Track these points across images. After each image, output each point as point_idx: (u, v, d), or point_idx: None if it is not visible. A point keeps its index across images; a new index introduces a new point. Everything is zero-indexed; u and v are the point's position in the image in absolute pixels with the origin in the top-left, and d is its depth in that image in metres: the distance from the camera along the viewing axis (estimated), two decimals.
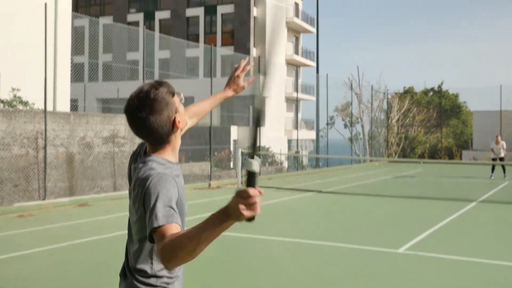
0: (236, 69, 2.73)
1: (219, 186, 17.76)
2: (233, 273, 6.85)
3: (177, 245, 1.71)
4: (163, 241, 1.77)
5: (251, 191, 1.62)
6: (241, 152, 18.50)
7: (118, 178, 14.94)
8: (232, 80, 2.72)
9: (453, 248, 8.13)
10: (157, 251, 1.80)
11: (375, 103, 37.22)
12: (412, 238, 8.80)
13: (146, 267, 2.09)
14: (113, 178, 14.83)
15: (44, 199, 12.71)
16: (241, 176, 18.16)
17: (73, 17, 18.44)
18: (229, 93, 2.73)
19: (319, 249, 8.16)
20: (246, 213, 1.62)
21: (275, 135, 35.70)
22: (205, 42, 38.05)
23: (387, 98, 38.45)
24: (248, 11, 38.53)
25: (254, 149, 1.74)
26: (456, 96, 47.02)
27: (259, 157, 1.74)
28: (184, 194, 2.08)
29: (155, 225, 1.82)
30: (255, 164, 1.70)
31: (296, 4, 44.78)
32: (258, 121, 1.78)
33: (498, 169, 22.32)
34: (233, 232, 9.19)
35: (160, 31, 39.69)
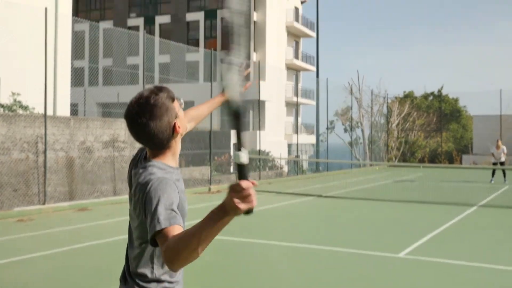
0: None
1: (219, 191, 17.75)
2: (233, 278, 6.83)
3: (179, 246, 1.71)
4: (166, 243, 1.77)
5: (244, 183, 1.62)
6: None
7: (118, 183, 14.93)
8: None
9: (454, 253, 8.12)
10: (161, 253, 1.80)
11: (375, 107, 37.27)
12: (412, 242, 8.78)
13: (146, 271, 2.09)
14: (113, 182, 14.82)
15: (44, 203, 12.70)
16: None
17: (73, 22, 18.48)
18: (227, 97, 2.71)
19: (319, 253, 8.15)
20: (242, 206, 1.62)
21: (275, 139, 35.70)
22: (205, 47, 38.10)
23: (387, 102, 38.48)
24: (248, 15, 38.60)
25: (240, 141, 1.73)
26: (456, 100, 47.05)
27: (246, 148, 1.72)
28: (185, 198, 2.09)
29: (158, 228, 1.82)
30: (243, 156, 1.69)
31: (296, 9, 44.86)
32: (238, 110, 1.76)
33: (499, 173, 22.31)
34: (233, 237, 9.19)
35: (160, 36, 39.73)
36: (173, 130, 2.09)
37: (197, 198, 14.98)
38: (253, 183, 1.65)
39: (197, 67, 39.52)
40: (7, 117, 12.38)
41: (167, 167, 2.08)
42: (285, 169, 30.48)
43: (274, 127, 37.41)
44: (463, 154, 38.23)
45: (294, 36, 45.34)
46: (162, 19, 41.93)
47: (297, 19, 43.67)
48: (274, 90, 36.43)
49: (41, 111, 13.59)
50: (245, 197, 1.63)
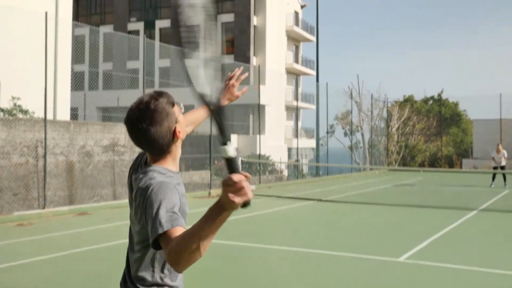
0: (231, 77, 2.71)
1: (219, 195, 17.71)
2: (232, 282, 6.82)
3: (181, 247, 1.71)
4: (169, 246, 1.77)
5: (235, 177, 1.60)
6: (241, 161, 18.49)
7: (118, 187, 14.92)
8: (226, 89, 2.68)
9: (454, 257, 8.11)
10: (165, 256, 1.81)
11: (375, 111, 37.28)
12: (413, 246, 8.77)
13: (147, 275, 2.09)
14: (113, 186, 14.81)
15: (43, 207, 12.69)
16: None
17: (74, 26, 18.51)
18: (224, 101, 2.69)
19: (319, 258, 8.14)
20: (237, 199, 1.61)
21: (275, 143, 35.70)
22: None
23: (387, 106, 38.50)
24: (248, 20, 38.66)
25: (224, 135, 1.72)
26: (456, 104, 47.07)
27: (231, 141, 1.72)
28: (186, 202, 2.09)
29: (160, 231, 1.82)
30: (230, 149, 1.69)
31: (296, 13, 44.94)
32: (218, 102, 1.76)
33: (499, 177, 22.30)
34: (233, 241, 9.18)
35: (161, 40, 39.78)
36: (174, 135, 2.09)
37: (197, 202, 14.97)
38: (245, 176, 1.63)
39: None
40: (7, 121, 12.38)
41: (167, 171, 2.09)
42: (285, 173, 30.47)
43: (274, 131, 37.42)
44: (463, 158, 38.23)
45: (294, 40, 45.40)
46: (162, 24, 41.99)
47: (297, 23, 43.74)
48: (274, 94, 36.46)
49: (41, 115, 13.59)
50: (238, 191, 1.61)
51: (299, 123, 35.77)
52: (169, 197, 1.93)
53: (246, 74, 2.76)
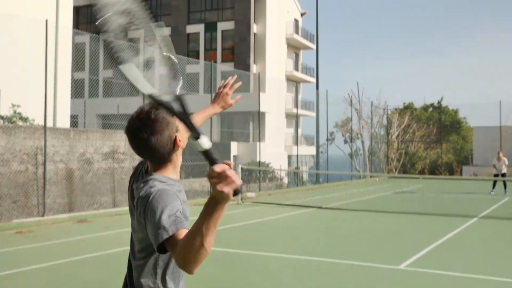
0: (225, 85, 2.72)
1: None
2: None
3: (186, 248, 1.73)
4: (176, 249, 1.79)
5: (217, 168, 1.61)
6: (241, 168, 18.48)
7: (117, 194, 14.90)
8: (220, 97, 2.71)
9: (454, 265, 8.08)
10: (174, 259, 1.83)
11: (375, 119, 37.30)
12: (413, 254, 8.75)
13: (149, 281, 2.09)
14: (112, 194, 14.79)
15: (43, 215, 12.66)
16: (241, 192, 18.10)
17: (74, 34, 18.55)
18: (217, 109, 2.73)
19: (319, 265, 8.11)
20: (226, 189, 1.61)
21: (275, 151, 35.70)
22: (205, 59, 38.21)
23: (387, 114, 38.53)
24: (248, 27, 38.77)
25: (193, 130, 1.73)
26: (456, 112, 47.12)
27: (203, 134, 1.73)
28: (188, 209, 2.10)
29: (165, 236, 1.83)
30: (204, 142, 1.70)
31: (296, 21, 45.06)
32: (181, 99, 1.77)
33: (499, 184, 22.32)
34: (233, 249, 9.15)
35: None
36: (174, 144, 2.11)
37: (197, 210, 14.87)
38: (227, 164, 1.64)
39: (197, 79, 39.60)
40: (7, 128, 12.38)
41: (168, 179, 2.10)
42: (285, 180, 30.45)
43: (274, 139, 37.42)
44: (463, 165, 38.23)
45: (294, 48, 45.50)
46: (162, 31, 42.10)
47: (297, 31, 43.85)
48: (274, 101, 36.50)
49: (41, 122, 13.59)
50: (224, 180, 1.61)
51: (299, 131, 35.78)
52: (170, 202, 1.94)
53: (239, 83, 2.78)
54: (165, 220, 1.87)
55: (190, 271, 1.77)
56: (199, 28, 40.79)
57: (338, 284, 7.10)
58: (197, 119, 2.66)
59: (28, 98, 14.53)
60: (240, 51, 38.98)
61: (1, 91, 14.88)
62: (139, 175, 2.20)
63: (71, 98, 18.58)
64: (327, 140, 34.54)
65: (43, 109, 13.00)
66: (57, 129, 14.05)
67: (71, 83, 18.54)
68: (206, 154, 1.71)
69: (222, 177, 1.61)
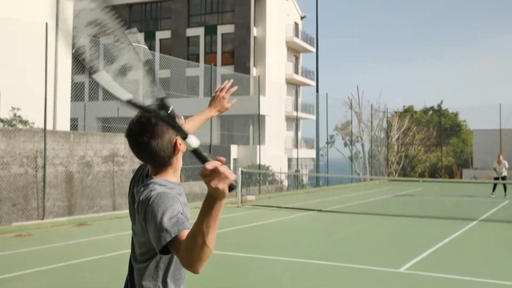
0: (221, 89, 2.75)
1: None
2: None
3: (189, 248, 1.74)
4: (179, 250, 1.80)
5: (208, 165, 1.62)
6: (241, 171, 18.47)
7: (117, 197, 14.89)
8: (217, 101, 2.74)
9: (454, 268, 8.07)
10: (179, 261, 1.84)
11: (375, 122, 37.30)
12: (413, 257, 8.74)
13: (150, 284, 2.11)
14: (112, 197, 14.78)
15: (42, 218, 12.65)
16: (241, 195, 18.11)
17: (74, 37, 18.54)
18: (214, 113, 2.76)
19: (319, 268, 8.10)
20: (220, 185, 1.63)
21: (275, 154, 35.69)
22: (205, 62, 38.24)
23: (387, 117, 38.54)
24: (248, 31, 38.80)
25: (180, 130, 1.75)
26: (456, 115, 47.13)
27: (189, 133, 1.75)
28: (188, 212, 2.10)
29: (169, 238, 1.85)
30: (192, 141, 1.72)
31: (296, 24, 45.10)
32: (163, 101, 1.78)
33: (499, 187, 22.35)
34: (233, 252, 9.15)
35: (161, 51, 39.90)
36: (174, 147, 2.12)
37: (197, 213, 14.92)
38: (219, 160, 1.65)
39: (197, 82, 39.64)
40: (6, 131, 12.38)
41: (168, 183, 2.11)
42: (285, 183, 30.44)
43: (274, 142, 37.41)
44: (463, 168, 38.20)
45: (294, 51, 45.53)
46: (162, 35, 42.15)
47: (297, 35, 43.89)
48: (274, 104, 36.51)
49: (41, 125, 13.59)
50: (217, 176, 1.63)
51: (299, 134, 35.81)
52: (171, 205, 1.95)
53: (235, 87, 2.82)
54: (167, 222, 1.87)
55: (195, 271, 1.78)
56: (199, 31, 40.83)
57: (338, 287, 7.09)
58: (194, 122, 2.68)
59: (28, 101, 14.53)
60: (240, 54, 39.01)
61: (1, 94, 14.88)
62: (140, 179, 2.21)
63: (71, 101, 18.58)
64: (327, 143, 34.54)
65: (43, 112, 13.01)
66: (57, 132, 14.05)
67: (71, 86, 18.55)
68: (196, 153, 1.72)
69: (215, 174, 1.62)
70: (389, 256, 9.07)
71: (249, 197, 19.52)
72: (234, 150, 32.81)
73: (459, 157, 43.05)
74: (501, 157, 21.30)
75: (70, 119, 18.61)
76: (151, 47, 40.07)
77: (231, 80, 2.85)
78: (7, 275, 7.48)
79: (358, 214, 15.46)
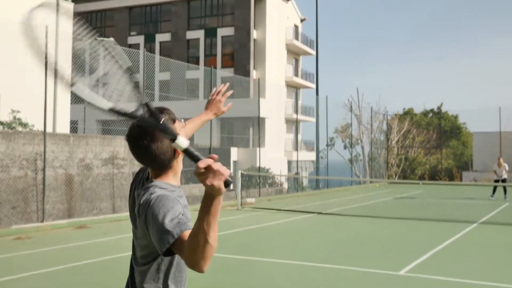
0: (218, 92, 2.79)
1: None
2: None
3: (191, 247, 1.76)
4: (183, 251, 1.81)
5: (201, 164, 1.66)
6: (241, 173, 18.45)
7: (117, 200, 14.88)
8: (213, 104, 2.78)
9: (454, 270, 8.06)
10: (184, 261, 1.86)
11: (375, 124, 37.30)
12: (413, 260, 8.72)
13: (151, 286, 2.11)
14: (112, 200, 14.77)
15: (42, 221, 12.64)
16: (241, 198, 18.09)
17: (74, 40, 18.56)
18: (210, 116, 2.80)
19: (319, 271, 8.09)
20: (216, 182, 1.66)
21: (275, 156, 35.68)
22: (205, 64, 38.26)
23: (387, 119, 38.55)
24: (248, 33, 38.83)
25: (167, 133, 1.79)
26: (456, 117, 47.15)
27: (178, 134, 1.78)
28: (189, 214, 2.10)
29: (172, 240, 1.85)
30: (181, 142, 1.76)
31: (296, 27, 45.14)
32: (148, 106, 1.81)
33: (499, 190, 22.36)
34: (233, 255, 9.13)
35: (161, 54, 39.93)
36: (175, 151, 2.12)
37: (196, 215, 14.92)
38: (211, 158, 1.68)
39: (197, 85, 39.66)
40: (6, 134, 12.37)
41: (169, 186, 2.12)
42: (285, 186, 30.42)
43: (274, 144, 37.41)
44: (463, 171, 38.20)
45: (294, 53, 45.57)
46: (162, 37, 42.18)
47: (296, 37, 43.92)
48: (274, 107, 36.51)
49: (41, 128, 13.59)
50: (211, 173, 1.66)
51: (299, 136, 35.80)
52: (172, 207, 1.95)
53: (231, 91, 2.86)
54: (168, 224, 1.88)
55: (201, 269, 1.79)
56: (199, 34, 40.86)
57: None
58: (192, 125, 2.69)
59: (28, 103, 14.52)
60: (240, 57, 39.03)
61: (1, 96, 14.88)
62: (140, 182, 2.21)
63: (71, 103, 18.57)
64: (327, 145, 34.55)
65: (43, 115, 13.00)
66: (57, 134, 14.04)
67: None
68: (187, 153, 1.76)
69: (209, 172, 1.66)
70: (389, 258, 9.05)
71: (249, 200, 19.51)
72: (234, 152, 32.80)
73: (459, 160, 43.05)
74: (501, 160, 21.34)
75: (70, 122, 18.60)
76: (151, 50, 40.10)
77: (227, 84, 2.88)
78: (7, 277, 7.47)
79: (358, 216, 15.44)
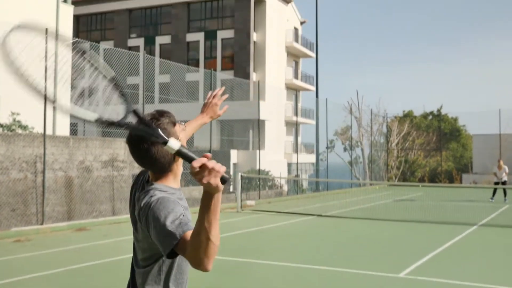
0: (214, 96, 2.82)
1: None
2: None
3: (194, 247, 1.78)
4: (186, 251, 1.83)
5: (195, 163, 1.69)
6: (241, 176, 18.45)
7: (117, 202, 14.87)
8: (209, 107, 2.81)
9: (454, 273, 8.05)
10: (188, 261, 1.88)
11: (375, 126, 37.32)
12: (413, 262, 8.72)
13: None
14: (111, 202, 14.76)
15: (42, 223, 12.63)
16: (241, 200, 18.08)
17: (74, 42, 18.58)
18: (207, 119, 2.82)
19: (319, 273, 8.08)
20: (212, 180, 1.69)
21: (275, 158, 35.67)
22: (205, 67, 38.27)
23: (387, 121, 38.56)
24: (248, 36, 38.86)
25: (158, 137, 1.82)
26: (456, 119, 47.14)
27: (169, 137, 1.82)
28: (190, 216, 2.11)
29: (174, 242, 1.86)
30: (173, 145, 1.79)
31: (296, 29, 45.18)
32: (136, 113, 1.85)
33: (499, 192, 22.38)
34: (233, 257, 9.13)
35: (161, 56, 39.95)
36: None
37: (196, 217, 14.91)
38: (206, 156, 1.71)
39: (197, 87, 39.67)
40: (6, 136, 12.37)
41: (169, 188, 2.12)
42: (285, 188, 30.41)
43: (274, 146, 37.41)
44: (463, 173, 38.18)
45: (293, 56, 45.59)
46: (162, 40, 42.21)
47: (296, 40, 43.95)
48: (274, 109, 36.53)
49: (40, 130, 13.59)
50: (207, 171, 1.69)
51: (299, 138, 35.78)
52: (172, 208, 1.96)
53: (226, 95, 2.90)
54: (170, 225, 1.89)
55: (205, 268, 1.80)
56: (199, 36, 40.89)
57: None
58: (189, 128, 2.70)
59: (28, 106, 14.52)
60: (240, 60, 39.06)
61: (1, 99, 14.88)
62: (140, 185, 2.22)
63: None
64: (327, 148, 34.53)
65: (43, 117, 13.00)
66: (57, 137, 14.04)
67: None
68: (180, 154, 1.78)
69: (204, 170, 1.69)
70: (389, 261, 9.05)
71: (249, 202, 19.50)
72: (234, 155, 32.79)
73: (459, 162, 43.04)
74: (501, 162, 21.38)
75: (70, 124, 18.61)
76: (151, 52, 40.13)
77: (223, 88, 2.92)
78: (6, 280, 7.46)
79: (358, 219, 15.44)
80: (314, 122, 35.10)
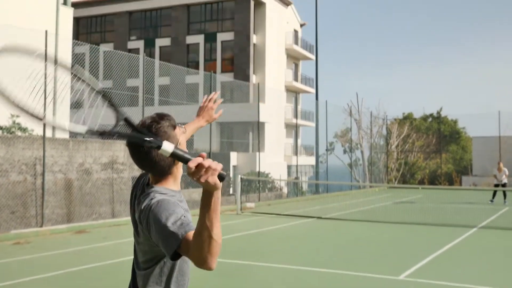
0: (210, 99, 2.86)
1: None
2: None
3: (197, 246, 1.79)
4: (189, 252, 1.84)
5: (191, 164, 1.72)
6: (241, 178, 18.44)
7: (116, 205, 14.86)
8: (205, 111, 2.84)
9: (454, 275, 8.05)
10: (191, 261, 1.89)
11: (375, 129, 37.31)
12: (413, 264, 8.71)
13: None
14: (111, 204, 14.75)
15: (41, 226, 12.62)
16: (240, 202, 18.08)
17: (74, 45, 18.59)
18: (203, 123, 2.84)
19: (319, 276, 8.07)
20: (210, 179, 1.72)
21: (275, 161, 35.67)
22: (205, 69, 38.28)
23: (386, 124, 38.56)
24: (248, 38, 38.88)
25: (151, 142, 1.85)
26: (455, 122, 47.17)
27: (162, 141, 1.85)
28: (190, 218, 2.11)
29: (177, 243, 1.87)
30: (167, 148, 1.82)
31: (296, 32, 45.20)
32: (128, 120, 1.88)
33: (499, 194, 22.38)
34: (232, 259, 9.12)
35: (160, 58, 39.95)
36: None
37: (196, 220, 14.89)
38: (201, 156, 1.74)
39: (197, 89, 39.67)
40: (5, 139, 12.37)
41: (169, 191, 2.13)
42: (285, 190, 30.40)
43: (274, 149, 37.40)
44: (462, 175, 38.18)
45: (293, 58, 45.61)
46: (162, 42, 42.23)
47: (296, 42, 43.97)
48: (274, 112, 36.53)
49: (40, 133, 13.58)
50: (203, 170, 1.72)
51: (299, 141, 35.82)
52: (173, 210, 1.97)
53: (221, 100, 2.94)
54: (172, 227, 1.89)
55: (209, 267, 1.81)
56: (199, 38, 40.91)
57: None
58: (190, 129, 2.71)
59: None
60: (240, 62, 39.07)
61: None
62: (140, 188, 2.23)
63: (70, 108, 18.58)
64: (327, 150, 34.53)
65: None
66: (56, 139, 14.04)
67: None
68: (175, 156, 1.80)
69: (200, 170, 1.71)
70: (389, 263, 9.04)
71: (249, 204, 19.49)
72: (234, 157, 32.79)
73: (459, 164, 43.04)
74: (501, 164, 21.39)
75: None
76: (151, 55, 40.16)
77: (218, 92, 2.96)
78: (6, 283, 7.45)
79: (358, 221, 15.43)
80: (313, 124, 35.11)
